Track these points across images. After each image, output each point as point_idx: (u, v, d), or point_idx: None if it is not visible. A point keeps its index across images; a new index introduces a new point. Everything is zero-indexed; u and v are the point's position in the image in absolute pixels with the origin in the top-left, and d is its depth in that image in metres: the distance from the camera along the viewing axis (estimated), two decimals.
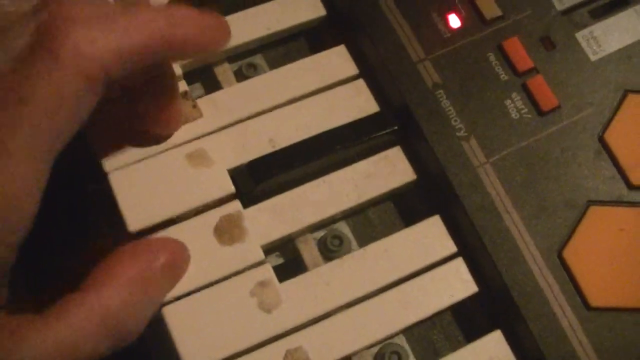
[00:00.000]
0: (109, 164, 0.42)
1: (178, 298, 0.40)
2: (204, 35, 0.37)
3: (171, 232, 0.41)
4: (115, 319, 0.35)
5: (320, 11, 0.48)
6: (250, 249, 0.41)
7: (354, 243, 0.44)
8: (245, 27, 0.47)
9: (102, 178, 0.42)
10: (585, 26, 0.46)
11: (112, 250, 0.37)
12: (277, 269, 0.42)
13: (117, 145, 0.42)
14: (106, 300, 0.35)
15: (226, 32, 0.39)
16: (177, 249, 0.40)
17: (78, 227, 0.45)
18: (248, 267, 0.41)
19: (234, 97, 0.44)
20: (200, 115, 0.44)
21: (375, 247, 0.42)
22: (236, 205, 0.42)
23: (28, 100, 0.33)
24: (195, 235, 0.41)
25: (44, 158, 0.34)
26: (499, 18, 0.46)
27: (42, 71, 0.33)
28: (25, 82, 0.33)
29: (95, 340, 0.35)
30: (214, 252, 0.41)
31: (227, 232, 0.41)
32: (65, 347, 0.34)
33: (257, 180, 0.42)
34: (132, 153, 0.42)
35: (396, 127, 0.44)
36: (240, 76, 0.47)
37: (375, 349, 0.41)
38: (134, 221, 0.41)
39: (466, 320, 0.43)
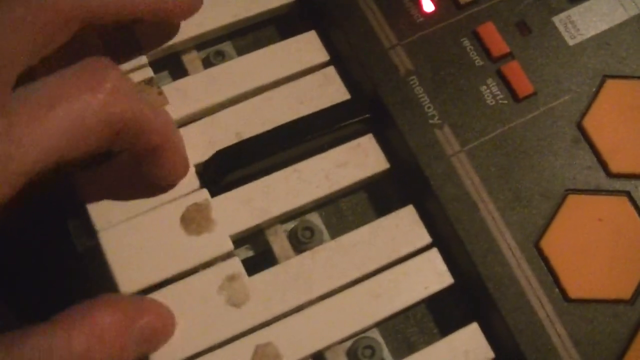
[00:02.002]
0: None
1: (144, 291, 0.39)
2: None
3: (137, 222, 0.40)
4: None
5: None
6: (219, 239, 0.40)
7: (325, 234, 0.43)
8: (213, 14, 0.45)
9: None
10: (562, 10, 0.45)
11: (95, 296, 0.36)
12: (247, 262, 0.41)
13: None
14: (71, 344, 0.33)
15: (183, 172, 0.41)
16: (164, 314, 0.38)
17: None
18: (216, 257, 0.40)
19: (200, 84, 0.43)
20: (167, 103, 0.43)
21: (348, 239, 0.41)
22: (204, 194, 0.41)
23: (57, 108, 0.34)
24: (162, 225, 0.40)
25: None
26: (473, 2, 0.45)
27: (82, 89, 0.34)
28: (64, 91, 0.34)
29: None
30: (182, 242, 0.40)
31: (195, 221, 0.40)
32: None
33: (223, 172, 0.41)
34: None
35: (368, 115, 0.43)
36: (208, 64, 0.45)
37: (348, 344, 0.40)
38: (100, 219, 0.40)
39: (441, 313, 0.42)
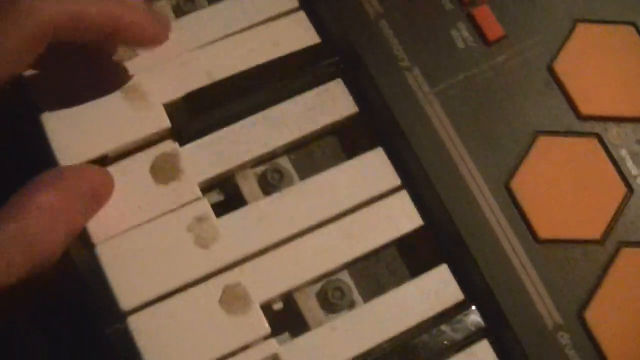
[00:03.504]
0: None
1: (112, 237, 0.39)
2: (146, 28, 0.40)
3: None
4: (33, 245, 0.35)
5: None
6: (187, 187, 0.40)
7: (295, 178, 0.43)
8: None
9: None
10: None
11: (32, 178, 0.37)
12: (216, 206, 0.41)
13: (50, 77, 0.41)
14: (25, 228, 0.35)
15: (166, 31, 0.41)
16: (99, 175, 0.39)
17: None
18: (184, 205, 0.40)
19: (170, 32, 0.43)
20: (135, 52, 0.42)
21: (317, 180, 0.41)
22: (172, 143, 0.41)
23: None
24: (131, 175, 0.40)
25: None
26: None
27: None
28: None
29: (11, 265, 0.34)
30: (150, 191, 0.40)
31: (163, 170, 0.40)
32: None
33: (194, 112, 0.41)
34: (65, 89, 0.41)
35: (337, 58, 0.43)
36: (179, 12, 0.45)
37: (318, 286, 0.40)
38: (65, 156, 0.40)
39: (411, 255, 0.42)
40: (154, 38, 0.41)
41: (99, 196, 0.39)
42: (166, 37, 0.41)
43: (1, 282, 0.34)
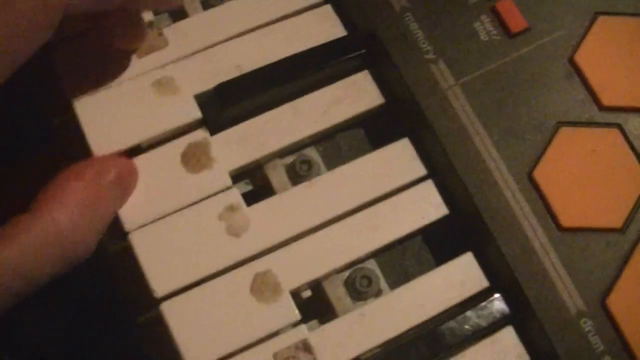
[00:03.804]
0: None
1: (145, 225, 0.40)
2: None
3: (138, 160, 0.41)
4: (67, 239, 0.35)
5: None
6: (218, 176, 0.41)
7: (323, 168, 0.43)
8: None
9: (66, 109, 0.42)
10: None
11: (58, 170, 0.37)
12: (246, 196, 0.41)
13: (83, 70, 0.42)
14: (57, 221, 0.35)
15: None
16: (124, 164, 0.40)
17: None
18: (215, 193, 0.41)
19: (199, 25, 0.44)
20: (166, 44, 0.43)
21: (344, 170, 0.42)
22: (203, 132, 0.42)
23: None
24: (163, 163, 0.41)
25: None
26: None
27: None
28: None
29: (46, 262, 0.35)
30: (182, 179, 0.41)
31: (195, 159, 0.41)
32: (16, 269, 0.34)
33: (225, 104, 0.42)
34: (97, 81, 0.42)
35: (363, 50, 0.44)
36: (208, 6, 0.46)
37: (345, 274, 0.41)
38: (99, 147, 0.40)
39: (437, 245, 0.43)
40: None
41: (126, 184, 0.40)
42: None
43: (36, 279, 0.35)
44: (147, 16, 0.44)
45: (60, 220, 0.35)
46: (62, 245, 0.35)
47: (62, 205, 0.36)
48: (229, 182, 0.41)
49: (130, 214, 0.40)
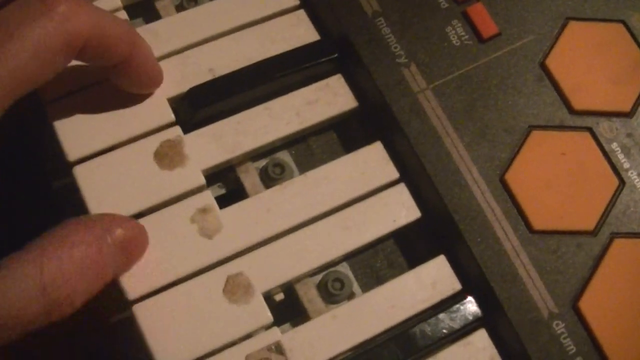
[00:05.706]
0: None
1: None
2: (153, 66, 0.41)
3: (111, 158, 0.41)
4: (50, 294, 0.33)
5: None
6: (191, 174, 0.41)
7: (295, 171, 0.43)
8: None
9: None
10: None
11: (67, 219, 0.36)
12: (219, 200, 0.41)
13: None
14: (43, 270, 0.33)
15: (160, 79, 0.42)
16: (135, 227, 0.38)
17: None
18: (189, 191, 0.41)
19: (173, 27, 0.44)
20: None
21: (317, 173, 0.42)
22: (176, 130, 0.42)
23: (17, 38, 0.34)
24: (136, 160, 0.41)
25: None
26: None
27: (35, 16, 0.35)
28: (17, 22, 0.34)
29: (29, 306, 0.33)
30: (155, 177, 0.41)
31: (168, 156, 0.41)
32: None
33: (196, 107, 0.42)
34: (69, 84, 0.42)
35: (336, 55, 0.44)
36: (181, 8, 0.46)
37: (318, 277, 0.41)
38: (73, 150, 0.40)
39: (409, 247, 0.43)
40: (156, 78, 0.42)
41: (131, 251, 0.38)
42: (159, 84, 0.42)
43: (16, 326, 0.33)
44: (122, 16, 0.44)
45: (45, 270, 0.33)
46: (48, 295, 0.33)
47: (52, 256, 0.33)
48: (202, 180, 0.41)
49: (102, 210, 0.40)
